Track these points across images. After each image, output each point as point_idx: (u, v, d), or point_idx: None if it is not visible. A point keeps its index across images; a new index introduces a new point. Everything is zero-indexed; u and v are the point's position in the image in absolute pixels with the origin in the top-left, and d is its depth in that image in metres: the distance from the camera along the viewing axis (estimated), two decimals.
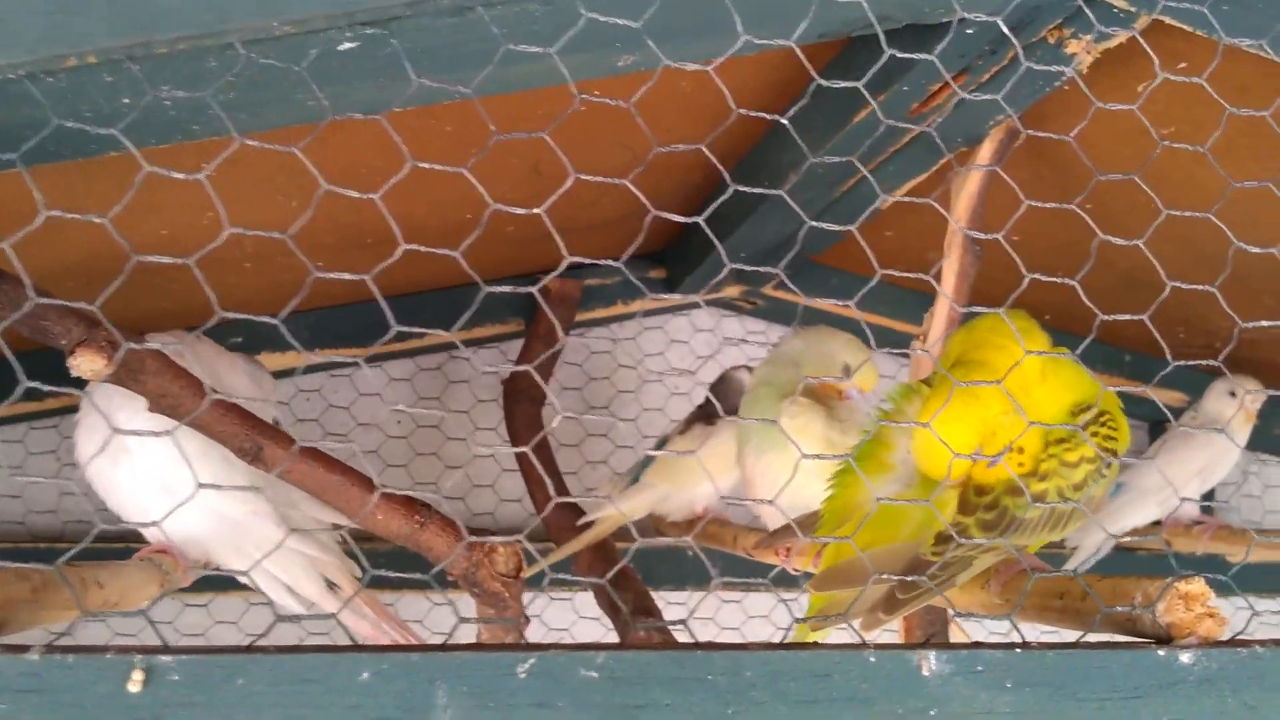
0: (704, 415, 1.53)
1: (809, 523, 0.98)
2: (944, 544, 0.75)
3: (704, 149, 0.63)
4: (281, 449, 1.01)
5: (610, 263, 0.66)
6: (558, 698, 0.59)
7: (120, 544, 1.23)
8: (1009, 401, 0.74)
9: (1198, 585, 0.67)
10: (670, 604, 1.84)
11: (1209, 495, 2.05)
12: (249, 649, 0.58)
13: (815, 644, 0.63)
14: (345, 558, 1.34)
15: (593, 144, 1.22)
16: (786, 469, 1.23)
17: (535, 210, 0.64)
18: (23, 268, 0.60)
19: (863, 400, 1.26)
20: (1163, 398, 1.92)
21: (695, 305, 1.90)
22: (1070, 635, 0.70)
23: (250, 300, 1.47)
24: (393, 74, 0.69)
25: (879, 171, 1.21)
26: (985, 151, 1.13)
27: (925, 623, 1.05)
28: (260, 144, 0.62)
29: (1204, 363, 0.67)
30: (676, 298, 1.78)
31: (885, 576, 0.72)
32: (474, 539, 0.98)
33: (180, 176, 0.62)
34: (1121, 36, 0.94)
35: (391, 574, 0.98)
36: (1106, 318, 0.68)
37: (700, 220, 0.65)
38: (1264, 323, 0.70)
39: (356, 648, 0.58)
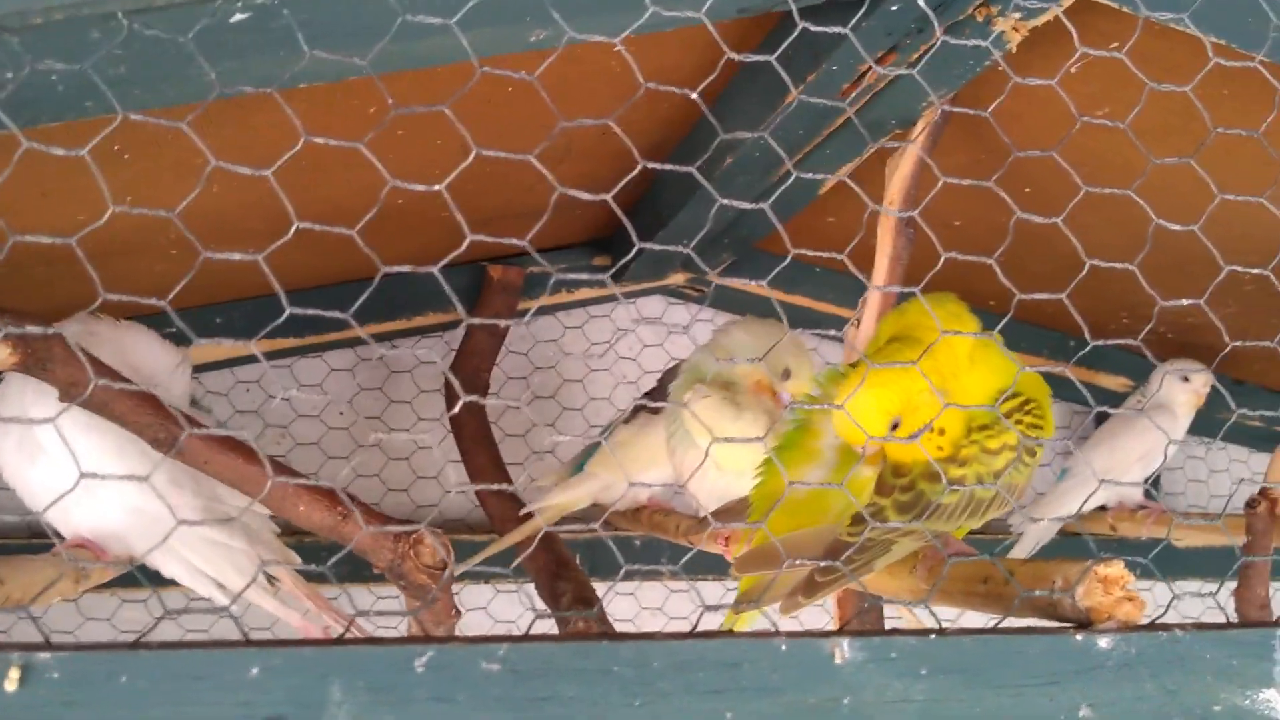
0: (650, 404, 1.52)
1: (742, 509, 0.97)
2: (860, 525, 0.73)
3: (611, 123, 0.61)
4: (198, 441, 0.98)
5: (535, 251, 0.64)
6: (457, 691, 0.57)
7: (40, 540, 1.20)
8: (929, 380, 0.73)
9: (1116, 568, 0.67)
10: (620, 594, 1.83)
11: (1155, 482, 2.06)
12: (133, 645, 0.56)
13: (726, 632, 0.61)
14: (284, 550, 1.31)
15: (524, 128, 1.20)
16: (704, 455, 1.22)
17: (436, 187, 0.62)
18: None
19: (790, 403, 1.25)
20: (1107, 383, 1.93)
21: (643, 293, 1.88)
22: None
23: (186, 289, 1.43)
24: (289, 48, 0.66)
25: (814, 155, 1.19)
26: (917, 133, 1.12)
27: (859, 607, 1.04)
28: (144, 118, 0.60)
29: (1124, 341, 0.66)
30: (622, 286, 1.76)
31: (800, 561, 0.70)
32: (396, 528, 0.96)
33: (60, 153, 0.59)
34: (1049, 14, 0.93)
35: (316, 568, 0.96)
36: (1024, 296, 0.66)
37: (609, 198, 0.63)
38: (1183, 301, 0.69)
39: (245, 642, 0.56)
